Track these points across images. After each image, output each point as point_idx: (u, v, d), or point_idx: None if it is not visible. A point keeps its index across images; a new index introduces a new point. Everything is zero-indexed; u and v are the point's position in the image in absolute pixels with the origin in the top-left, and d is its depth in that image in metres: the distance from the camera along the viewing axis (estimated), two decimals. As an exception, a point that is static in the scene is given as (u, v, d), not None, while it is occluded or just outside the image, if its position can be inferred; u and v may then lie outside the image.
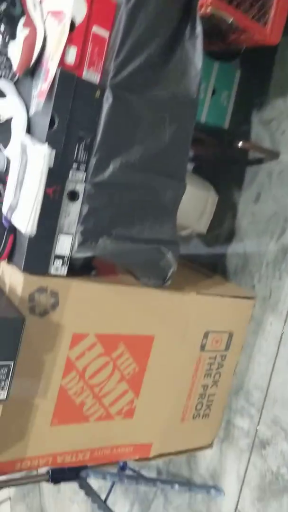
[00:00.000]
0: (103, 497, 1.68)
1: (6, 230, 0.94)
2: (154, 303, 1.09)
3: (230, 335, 1.29)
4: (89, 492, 1.62)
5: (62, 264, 0.94)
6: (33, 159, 0.81)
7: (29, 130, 0.90)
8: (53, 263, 0.93)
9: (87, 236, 0.92)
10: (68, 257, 0.94)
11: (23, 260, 0.90)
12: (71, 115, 0.85)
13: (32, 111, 0.89)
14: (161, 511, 1.60)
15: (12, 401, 0.90)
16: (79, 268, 0.99)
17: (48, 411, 1.04)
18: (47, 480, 1.32)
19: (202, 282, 1.31)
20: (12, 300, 0.92)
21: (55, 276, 0.94)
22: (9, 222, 0.92)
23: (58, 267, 0.93)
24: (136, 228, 0.95)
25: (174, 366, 1.20)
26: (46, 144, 0.81)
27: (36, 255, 0.91)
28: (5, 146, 0.92)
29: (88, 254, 0.94)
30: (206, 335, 1.23)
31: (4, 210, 0.91)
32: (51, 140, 0.83)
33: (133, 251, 0.96)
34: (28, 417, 1.00)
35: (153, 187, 0.96)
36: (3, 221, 0.94)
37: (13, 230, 0.94)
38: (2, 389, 0.86)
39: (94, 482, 1.45)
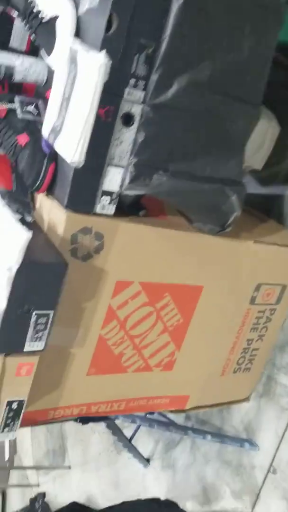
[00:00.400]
0: (125, 432, 1.68)
1: (46, 158, 0.81)
2: (207, 251, 0.97)
3: (283, 288, 1.18)
4: (116, 432, 1.61)
5: (110, 202, 0.81)
6: (85, 70, 0.66)
7: (77, 33, 0.74)
8: (100, 200, 0.80)
9: (141, 170, 0.78)
10: (117, 195, 0.81)
11: (67, 194, 0.78)
12: (132, 16, 0.68)
13: (83, 8, 0.72)
14: (187, 455, 1.59)
15: (48, 350, 0.82)
16: (127, 207, 0.86)
17: (85, 361, 0.96)
18: (75, 420, 1.29)
19: (257, 228, 1.17)
20: (51, 241, 0.81)
21: (101, 215, 0.82)
22: (51, 147, 0.79)
23: (105, 205, 0.81)
24: (198, 164, 0.81)
25: (221, 319, 1.10)
26: (104, 52, 0.65)
27: (82, 190, 0.78)
28: (49, 52, 0.76)
29: (140, 191, 0.81)
30: (258, 288, 1.12)
31: (45, 132, 0.77)
32: (107, 47, 0.67)
33: (192, 191, 0.83)
34: (64, 367, 0.93)
35: (222, 113, 0.80)
36: (43, 146, 0.81)
37: (54, 157, 0.81)
38: (39, 340, 0.78)
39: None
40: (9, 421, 0.84)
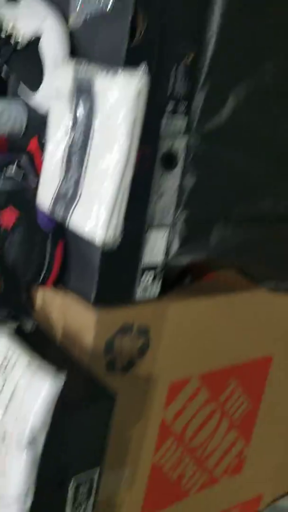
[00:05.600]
0: None
1: (49, 238, 0.59)
2: (275, 313, 0.78)
3: None
4: None
5: (154, 279, 0.61)
6: (113, 100, 0.46)
7: (76, 52, 0.54)
8: (141, 281, 0.59)
9: (194, 226, 0.59)
10: (163, 266, 0.60)
11: (94, 285, 0.57)
12: (163, 14, 0.49)
13: (79, 18, 0.53)
14: None
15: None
16: (171, 278, 0.66)
17: (137, 503, 0.73)
18: None
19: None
20: (76, 356, 0.58)
21: (143, 301, 0.61)
22: (53, 222, 0.58)
23: (147, 286, 0.60)
24: (268, 201, 0.63)
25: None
26: (142, 68, 0.46)
27: (115, 275, 0.57)
28: (33, 87, 0.55)
29: (194, 257, 0.61)
30: None
31: (45, 202, 0.56)
32: (132, 61, 0.48)
33: (265, 239, 0.64)
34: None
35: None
36: (40, 221, 0.59)
37: (60, 234, 0.60)
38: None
39: None
40: None
